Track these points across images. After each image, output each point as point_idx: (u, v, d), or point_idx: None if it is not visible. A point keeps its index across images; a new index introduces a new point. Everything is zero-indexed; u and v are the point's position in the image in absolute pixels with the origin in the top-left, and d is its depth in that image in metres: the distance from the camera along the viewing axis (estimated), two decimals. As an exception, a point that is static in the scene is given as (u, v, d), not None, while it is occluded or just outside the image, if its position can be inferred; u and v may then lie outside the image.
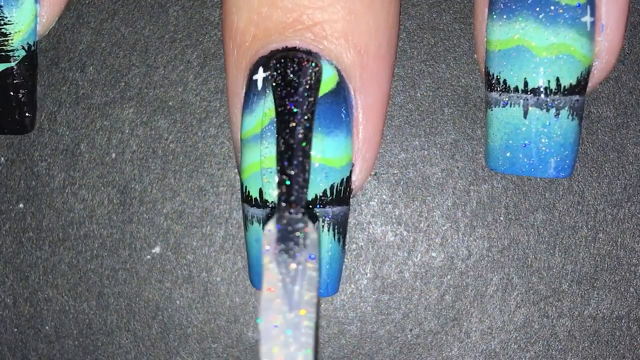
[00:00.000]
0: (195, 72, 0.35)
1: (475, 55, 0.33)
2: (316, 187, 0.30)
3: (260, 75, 0.30)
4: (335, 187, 0.30)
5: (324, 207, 0.30)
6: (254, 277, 0.31)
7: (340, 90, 0.30)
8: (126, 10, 0.35)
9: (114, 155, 0.35)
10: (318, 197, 0.30)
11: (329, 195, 0.30)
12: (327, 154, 0.30)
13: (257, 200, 0.30)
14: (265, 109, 0.30)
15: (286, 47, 0.30)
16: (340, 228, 0.31)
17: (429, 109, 0.35)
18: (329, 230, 0.31)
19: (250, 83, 0.30)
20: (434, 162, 0.35)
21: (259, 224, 0.30)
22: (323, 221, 0.31)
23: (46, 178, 0.35)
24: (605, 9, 0.31)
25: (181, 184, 0.35)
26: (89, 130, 0.35)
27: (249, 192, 0.31)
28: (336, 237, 0.31)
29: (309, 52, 0.30)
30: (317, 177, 0.30)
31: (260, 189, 0.30)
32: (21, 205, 0.36)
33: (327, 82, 0.30)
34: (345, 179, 0.31)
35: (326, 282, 0.31)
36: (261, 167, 0.30)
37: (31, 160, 0.35)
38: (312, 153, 0.29)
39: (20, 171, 0.35)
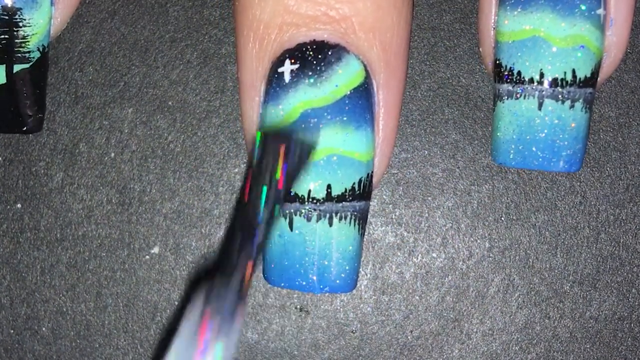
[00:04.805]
0: (195, 72, 0.35)
1: (480, 49, 0.33)
2: (347, 181, 0.30)
3: (287, 68, 0.30)
4: (362, 181, 0.30)
5: (351, 201, 0.30)
6: (270, 273, 0.31)
7: (367, 85, 0.30)
8: (126, 10, 0.35)
9: (113, 155, 0.35)
10: (347, 191, 0.30)
11: (357, 189, 0.30)
12: (355, 148, 0.30)
13: None
14: (296, 102, 0.30)
15: (314, 40, 0.30)
16: (363, 223, 0.31)
17: (429, 109, 0.35)
18: (354, 226, 0.31)
19: (275, 75, 0.30)
20: (434, 162, 0.35)
21: (285, 219, 0.30)
22: (349, 216, 0.30)
23: (44, 178, 0.35)
24: (614, 3, 0.31)
25: (180, 184, 0.35)
26: (88, 130, 0.35)
27: None
28: (360, 232, 0.31)
29: (336, 45, 0.30)
30: (347, 170, 0.30)
31: None
32: (19, 205, 0.35)
33: (355, 77, 0.30)
34: (370, 174, 0.31)
35: (348, 278, 0.31)
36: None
37: (29, 160, 0.35)
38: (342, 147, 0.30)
39: (18, 171, 0.35)
